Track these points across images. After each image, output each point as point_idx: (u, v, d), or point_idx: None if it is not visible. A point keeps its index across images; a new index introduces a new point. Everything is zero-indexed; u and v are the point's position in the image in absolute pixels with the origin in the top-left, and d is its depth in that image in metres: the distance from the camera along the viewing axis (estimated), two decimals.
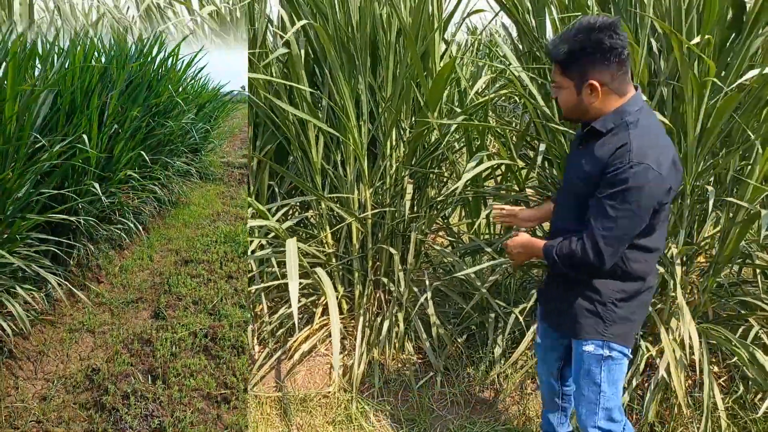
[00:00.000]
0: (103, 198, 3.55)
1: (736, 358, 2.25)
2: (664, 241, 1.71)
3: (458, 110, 2.61)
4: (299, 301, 3.03)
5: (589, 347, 1.71)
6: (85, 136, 3.47)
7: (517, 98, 3.20)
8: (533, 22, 2.44)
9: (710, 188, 1.97)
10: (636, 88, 1.60)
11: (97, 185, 3.59)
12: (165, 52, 5.47)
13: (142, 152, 4.51)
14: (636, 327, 1.77)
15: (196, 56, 6.34)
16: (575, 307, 1.71)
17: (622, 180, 1.47)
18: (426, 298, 2.72)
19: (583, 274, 1.66)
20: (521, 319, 2.61)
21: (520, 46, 2.68)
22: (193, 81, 7.18)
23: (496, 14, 2.54)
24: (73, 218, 3.24)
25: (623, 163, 1.47)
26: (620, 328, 1.69)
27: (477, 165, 2.28)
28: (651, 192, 1.49)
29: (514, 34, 2.73)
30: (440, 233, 3.48)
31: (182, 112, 6.04)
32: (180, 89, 6.16)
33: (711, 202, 1.93)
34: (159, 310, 3.31)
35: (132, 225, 4.28)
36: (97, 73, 3.86)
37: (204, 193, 6.64)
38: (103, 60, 4.21)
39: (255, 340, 2.95)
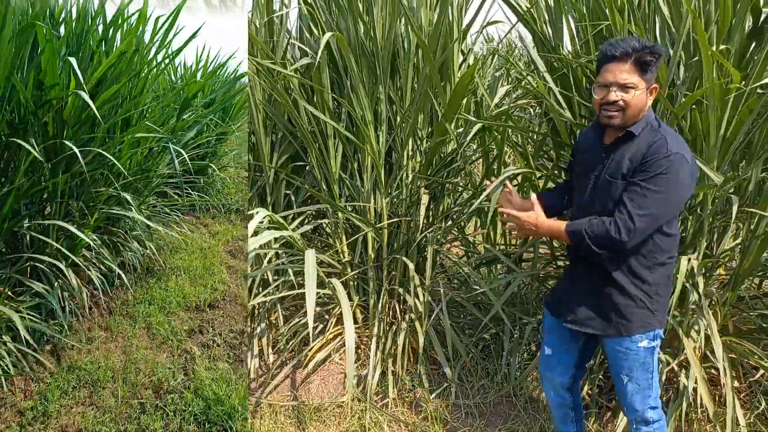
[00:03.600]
0: None
1: (759, 374, 2.21)
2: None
3: (475, 120, 2.62)
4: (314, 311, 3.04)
5: (644, 342, 1.76)
6: None
7: (531, 109, 3.19)
8: (550, 32, 2.44)
9: (733, 196, 1.95)
10: None
11: None
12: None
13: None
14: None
15: (174, 18, 3.35)
16: (619, 303, 1.73)
17: (659, 165, 1.55)
18: (441, 309, 2.70)
19: (608, 253, 1.67)
20: (539, 329, 2.58)
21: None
22: (166, 61, 3.65)
23: (514, 25, 2.55)
24: None
25: (661, 152, 1.56)
26: (664, 312, 1.79)
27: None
28: (683, 181, 1.58)
29: (530, 44, 2.73)
30: (455, 243, 3.47)
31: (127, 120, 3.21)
32: (126, 70, 3.12)
33: (735, 209, 1.92)
34: None
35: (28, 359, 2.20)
36: None
37: (204, 243, 3.93)
38: None
39: (270, 349, 2.95)
